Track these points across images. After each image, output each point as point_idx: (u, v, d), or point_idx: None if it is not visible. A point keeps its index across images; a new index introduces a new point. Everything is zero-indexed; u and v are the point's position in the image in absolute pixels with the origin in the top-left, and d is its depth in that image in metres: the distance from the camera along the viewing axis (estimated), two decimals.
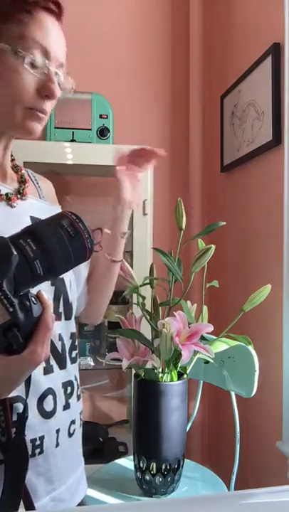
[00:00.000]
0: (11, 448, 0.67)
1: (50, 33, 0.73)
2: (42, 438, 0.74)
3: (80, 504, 0.84)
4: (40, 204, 0.87)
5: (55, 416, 0.77)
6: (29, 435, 0.71)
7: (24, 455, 0.67)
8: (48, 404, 0.76)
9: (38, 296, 0.59)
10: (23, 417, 0.67)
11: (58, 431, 0.77)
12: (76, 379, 0.86)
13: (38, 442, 0.74)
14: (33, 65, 0.71)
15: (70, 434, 0.81)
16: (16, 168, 0.86)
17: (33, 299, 0.57)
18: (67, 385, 0.81)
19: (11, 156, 0.88)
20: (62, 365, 0.80)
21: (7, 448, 0.67)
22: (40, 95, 0.73)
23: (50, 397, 0.76)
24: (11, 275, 0.54)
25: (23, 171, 0.87)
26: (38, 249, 0.56)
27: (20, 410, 0.69)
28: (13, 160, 0.87)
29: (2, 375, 0.58)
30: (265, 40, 1.49)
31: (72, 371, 0.83)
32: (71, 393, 0.82)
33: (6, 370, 0.57)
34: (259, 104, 1.55)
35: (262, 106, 1.53)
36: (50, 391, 0.76)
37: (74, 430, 0.82)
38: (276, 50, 1.43)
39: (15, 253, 0.55)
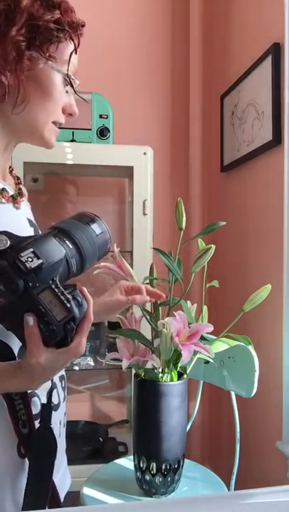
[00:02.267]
0: (38, 439, 0.71)
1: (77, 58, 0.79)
2: (52, 430, 0.77)
3: (67, 495, 0.87)
4: (27, 206, 0.89)
5: (60, 408, 0.81)
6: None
7: (52, 445, 0.71)
8: (55, 397, 0.79)
9: (81, 292, 0.62)
10: (49, 407, 0.72)
11: (60, 422, 0.82)
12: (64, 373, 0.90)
13: None
14: (67, 87, 0.78)
15: (64, 425, 0.86)
16: (10, 169, 0.87)
17: (80, 295, 0.61)
18: (62, 378, 0.85)
19: None
20: None
21: (31, 440, 0.71)
22: (64, 113, 0.80)
23: (55, 391, 0.80)
24: (57, 280, 0.58)
25: (14, 173, 0.89)
26: (74, 248, 0.62)
27: (38, 404, 0.73)
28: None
29: (49, 366, 0.61)
30: (265, 40, 1.49)
31: None
32: (65, 386, 0.86)
33: (54, 362, 0.61)
34: (259, 104, 1.55)
35: (262, 106, 1.53)
36: (54, 385, 0.79)
37: (65, 421, 0.87)
38: (276, 50, 1.43)
39: (64, 251, 0.60)
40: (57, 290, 0.57)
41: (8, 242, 0.56)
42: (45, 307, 0.57)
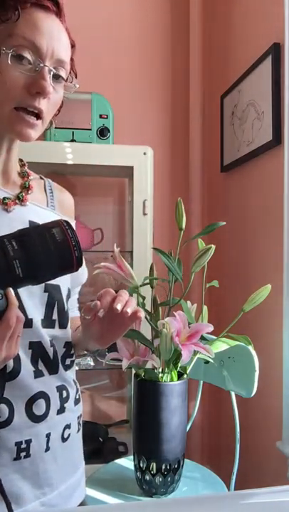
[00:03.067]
0: None
1: (42, 30, 0.70)
2: (29, 441, 0.73)
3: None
4: (45, 212, 0.84)
5: (46, 420, 0.75)
6: (14, 438, 0.71)
7: None
8: (39, 408, 0.74)
9: (6, 294, 0.58)
10: None
11: (48, 435, 0.76)
12: (75, 383, 0.85)
13: (24, 445, 0.72)
14: (20, 62, 0.69)
15: (64, 439, 0.80)
16: (23, 174, 0.85)
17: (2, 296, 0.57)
18: (61, 388, 0.80)
19: (22, 161, 0.87)
20: (52, 371, 0.78)
21: None
22: (29, 92, 0.70)
23: (41, 401, 0.75)
24: None
25: (32, 177, 0.86)
26: (19, 249, 0.57)
27: (6, 413, 0.69)
28: (23, 165, 0.86)
29: None
30: (265, 40, 1.49)
31: (66, 376, 0.82)
32: (67, 397, 0.81)
33: None
34: (259, 104, 1.55)
35: (262, 106, 1.53)
36: (41, 395, 0.75)
37: (69, 435, 0.81)
38: (276, 50, 1.43)
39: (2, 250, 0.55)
40: None
41: None
42: None
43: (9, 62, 0.68)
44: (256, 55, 1.56)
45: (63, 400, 0.79)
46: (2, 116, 0.71)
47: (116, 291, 0.74)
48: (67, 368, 0.82)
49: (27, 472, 0.73)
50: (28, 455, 0.73)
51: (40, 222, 0.75)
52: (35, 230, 0.60)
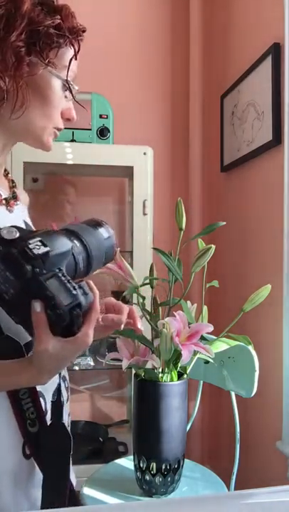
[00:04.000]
0: (52, 434, 0.72)
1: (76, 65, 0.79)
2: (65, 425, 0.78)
3: None
4: (25, 209, 0.89)
5: (64, 408, 0.81)
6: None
7: (67, 439, 0.74)
8: (59, 398, 0.80)
9: (88, 284, 0.64)
10: (59, 403, 0.74)
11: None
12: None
13: None
14: (66, 91, 0.78)
15: (68, 425, 0.85)
16: (5, 173, 0.87)
17: (86, 287, 0.63)
18: (64, 379, 0.85)
19: None
20: None
21: (42, 437, 0.72)
22: (63, 118, 0.80)
23: (59, 392, 0.80)
24: (64, 270, 0.61)
25: (9, 176, 0.88)
26: (80, 246, 0.65)
27: (43, 404, 0.74)
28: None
29: (56, 356, 0.61)
30: (265, 40, 1.49)
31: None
32: (68, 387, 0.86)
33: (61, 351, 0.61)
34: (259, 104, 1.55)
35: (262, 106, 1.53)
36: (58, 386, 0.80)
37: (69, 421, 0.87)
38: (276, 50, 1.43)
39: (71, 244, 0.63)
40: (63, 278, 0.59)
41: (18, 234, 0.58)
42: (52, 292, 0.58)
43: (65, 94, 0.78)
44: (256, 55, 1.56)
45: (67, 389, 0.85)
46: (38, 131, 0.78)
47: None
48: None
49: None
50: None
51: (28, 220, 0.84)
52: (85, 228, 0.68)
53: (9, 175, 0.88)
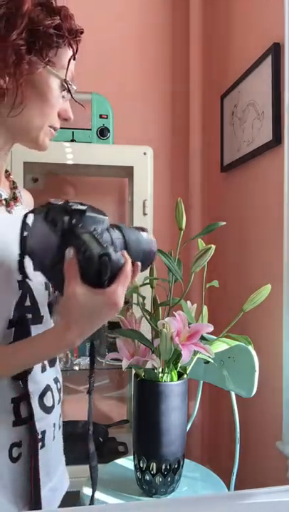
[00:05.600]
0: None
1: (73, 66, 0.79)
2: (44, 432, 0.78)
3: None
4: (22, 211, 0.88)
5: (54, 411, 0.81)
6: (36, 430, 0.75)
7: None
8: (48, 400, 0.79)
9: (122, 253, 0.67)
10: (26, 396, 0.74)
11: (54, 425, 0.81)
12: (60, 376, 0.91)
13: (40, 436, 0.76)
14: (64, 91, 0.78)
15: (60, 427, 0.85)
16: (6, 173, 0.87)
17: (118, 250, 0.68)
18: (56, 380, 0.85)
19: None
20: (51, 364, 0.84)
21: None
22: (60, 117, 0.80)
23: (49, 394, 0.80)
24: (99, 231, 0.66)
25: (11, 177, 0.89)
26: (119, 233, 0.70)
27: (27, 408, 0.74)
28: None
29: (85, 305, 0.63)
30: (265, 40, 1.49)
31: (58, 368, 0.87)
32: (60, 389, 0.86)
33: (90, 301, 0.63)
34: (259, 104, 1.55)
35: (262, 106, 1.53)
36: (48, 388, 0.80)
37: (61, 422, 0.86)
38: (276, 50, 1.43)
39: (108, 223, 0.69)
40: (97, 235, 0.65)
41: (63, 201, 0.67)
42: (83, 240, 0.64)
43: (63, 94, 0.78)
44: (256, 55, 1.56)
45: (58, 391, 0.85)
46: (35, 130, 0.77)
47: None
48: (56, 359, 0.88)
49: (42, 461, 0.76)
50: (43, 445, 0.77)
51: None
52: (127, 226, 0.73)
53: (11, 176, 0.88)
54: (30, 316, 0.76)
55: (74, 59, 0.78)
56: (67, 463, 0.90)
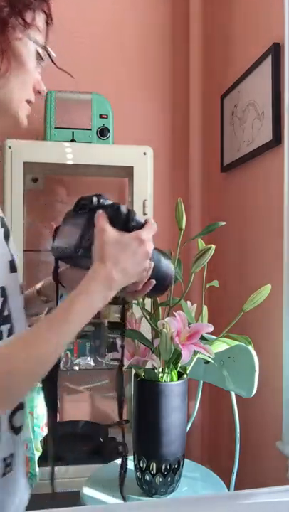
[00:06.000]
0: None
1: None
2: (12, 455, 0.72)
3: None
4: None
5: (22, 430, 0.75)
6: (1, 454, 0.69)
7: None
8: (17, 420, 0.73)
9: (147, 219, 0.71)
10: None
11: (22, 444, 0.77)
12: None
13: (8, 460, 0.71)
14: (37, 59, 0.73)
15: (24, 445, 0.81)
16: None
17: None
18: (26, 401, 0.80)
19: None
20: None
21: None
22: (34, 90, 0.75)
23: (19, 412, 0.74)
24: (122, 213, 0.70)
25: None
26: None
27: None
28: None
29: (115, 242, 0.66)
30: (265, 40, 1.49)
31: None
32: (25, 404, 0.80)
33: (119, 238, 0.66)
34: (259, 104, 1.55)
35: (262, 106, 1.53)
36: (19, 405, 0.74)
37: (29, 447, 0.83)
38: (276, 50, 1.43)
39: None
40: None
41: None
42: (112, 203, 0.71)
43: (31, 55, 0.72)
44: (256, 55, 1.56)
45: (25, 412, 0.79)
46: (16, 100, 0.73)
47: None
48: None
49: (10, 487, 0.72)
50: (11, 469, 0.71)
51: (2, 215, 0.79)
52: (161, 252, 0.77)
53: None
54: None
55: (48, 24, 0.74)
56: (68, 463, 0.89)
